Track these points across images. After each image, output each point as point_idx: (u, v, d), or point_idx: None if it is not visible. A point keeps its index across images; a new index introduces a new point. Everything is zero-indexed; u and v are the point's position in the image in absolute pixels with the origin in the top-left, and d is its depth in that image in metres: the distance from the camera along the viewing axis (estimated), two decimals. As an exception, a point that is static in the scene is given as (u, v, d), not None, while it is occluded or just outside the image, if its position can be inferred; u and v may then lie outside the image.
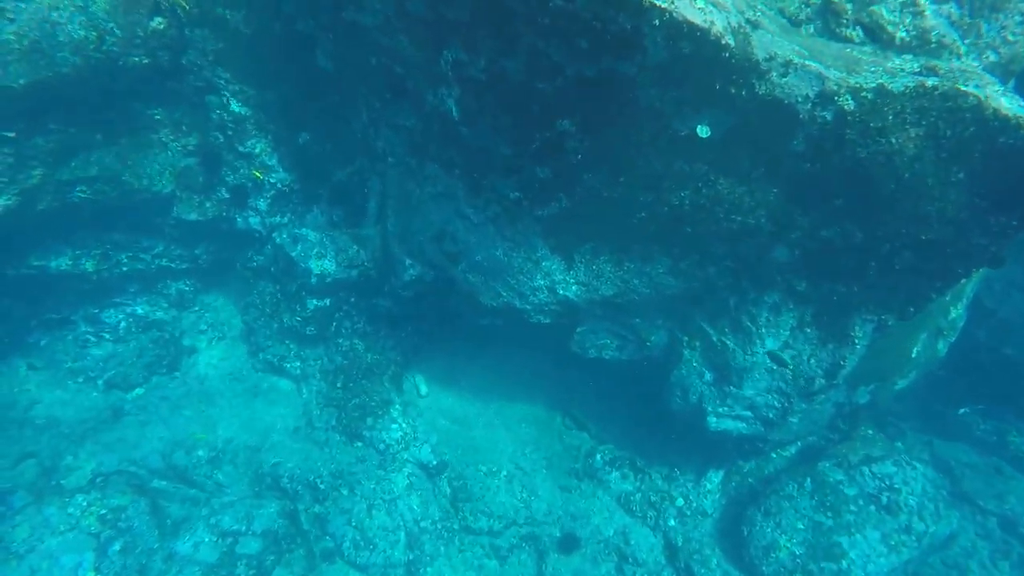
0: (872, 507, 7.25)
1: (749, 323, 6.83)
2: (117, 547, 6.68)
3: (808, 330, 6.64)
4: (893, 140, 4.98)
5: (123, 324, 9.11)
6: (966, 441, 9.28)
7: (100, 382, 8.86)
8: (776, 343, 6.81)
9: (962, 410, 9.20)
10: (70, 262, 8.23)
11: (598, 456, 8.84)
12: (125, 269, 8.72)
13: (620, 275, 6.89)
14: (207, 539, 6.78)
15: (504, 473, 8.61)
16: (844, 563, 7.06)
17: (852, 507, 7.31)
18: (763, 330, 6.78)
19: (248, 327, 9.32)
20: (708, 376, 7.33)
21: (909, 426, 9.51)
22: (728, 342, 7.03)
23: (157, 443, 8.29)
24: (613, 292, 7.06)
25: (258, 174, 7.84)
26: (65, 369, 8.93)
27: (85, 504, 6.72)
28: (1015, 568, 8.33)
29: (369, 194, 8.56)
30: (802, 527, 7.35)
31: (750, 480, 8.72)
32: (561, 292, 7.13)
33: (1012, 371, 8.51)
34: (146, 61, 6.93)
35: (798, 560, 7.22)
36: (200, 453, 8.19)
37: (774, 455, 8.93)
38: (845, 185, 5.45)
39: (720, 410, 7.37)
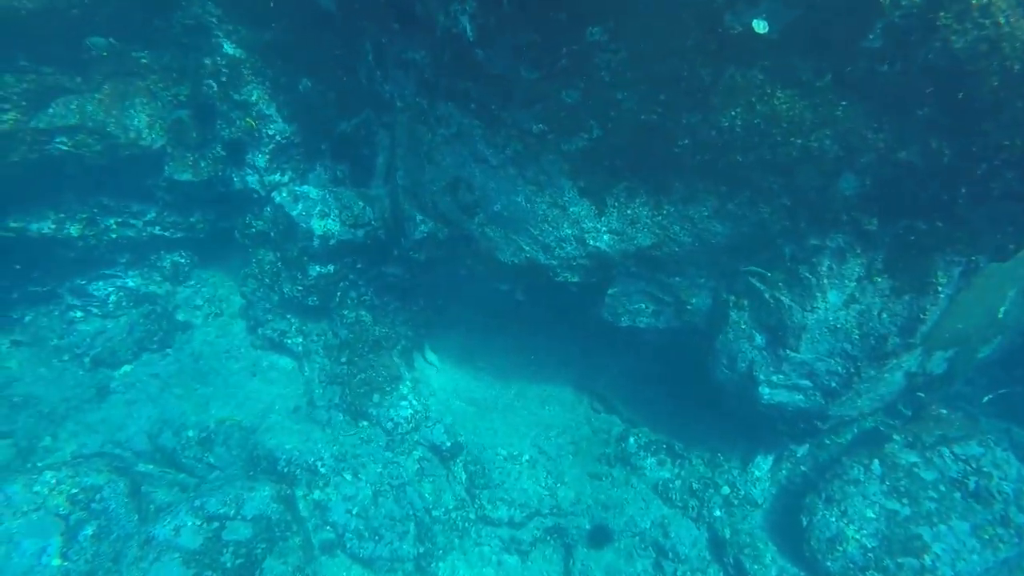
0: (957, 494, 6.22)
1: (808, 274, 5.92)
2: (89, 531, 5.90)
3: (879, 279, 5.71)
4: (1001, 20, 4.11)
5: (112, 298, 8.43)
6: (1048, 427, 8.19)
7: (86, 360, 8.16)
8: (840, 296, 5.89)
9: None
10: (53, 226, 7.57)
11: (631, 440, 7.91)
12: (114, 236, 8.05)
13: (659, 220, 6.04)
14: (190, 523, 5.95)
15: (526, 458, 7.71)
16: (927, 559, 6.00)
17: (932, 493, 6.28)
18: (825, 281, 5.87)
19: (246, 300, 8.58)
20: (759, 339, 6.41)
21: (981, 412, 8.45)
22: (783, 298, 6.12)
23: (144, 423, 7.55)
24: (650, 242, 6.20)
25: (251, 122, 7.12)
26: (51, 347, 8.26)
27: (54, 482, 5.93)
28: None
29: (377, 150, 7.82)
30: (872, 516, 6.32)
31: (803, 468, 7.74)
32: (591, 243, 6.29)
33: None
34: (124, -12, 6.29)
35: (870, 555, 6.18)
36: (190, 433, 7.41)
37: (827, 441, 7.95)
38: (932, 89, 4.56)
39: (774, 379, 6.43)
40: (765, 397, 6.54)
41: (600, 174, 5.93)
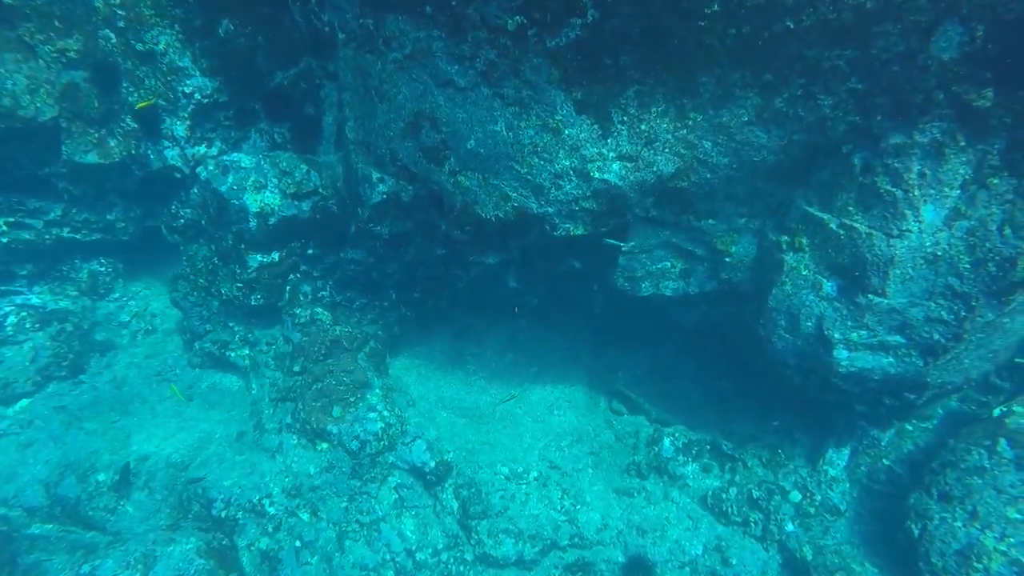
0: None
1: (890, 186, 4.41)
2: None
3: (996, 180, 4.20)
4: None
5: (12, 319, 6.82)
6: None
7: (-25, 399, 6.52)
8: (940, 212, 4.36)
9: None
10: (-82, 229, 6.05)
11: (666, 442, 6.25)
12: (5, 240, 6.52)
13: (683, 135, 4.56)
14: (70, 596, 4.26)
15: (534, 475, 6.04)
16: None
17: (1095, 479, 4.63)
18: (916, 193, 4.35)
19: (179, 308, 7.00)
20: (829, 287, 4.85)
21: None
22: (858, 224, 4.59)
23: (41, 469, 5.87)
24: (674, 168, 4.72)
25: (151, 99, 5.73)
26: (-68, 387, 6.62)
27: None
28: None
29: (323, 107, 6.39)
30: (1019, 516, 4.63)
31: (886, 462, 6.07)
32: (597, 175, 4.79)
33: None
34: None
35: (1025, 571, 4.47)
36: (100, 477, 5.74)
37: (909, 427, 6.31)
38: None
39: (853, 337, 4.84)
40: (843, 363, 4.94)
41: (601, 77, 4.46)
